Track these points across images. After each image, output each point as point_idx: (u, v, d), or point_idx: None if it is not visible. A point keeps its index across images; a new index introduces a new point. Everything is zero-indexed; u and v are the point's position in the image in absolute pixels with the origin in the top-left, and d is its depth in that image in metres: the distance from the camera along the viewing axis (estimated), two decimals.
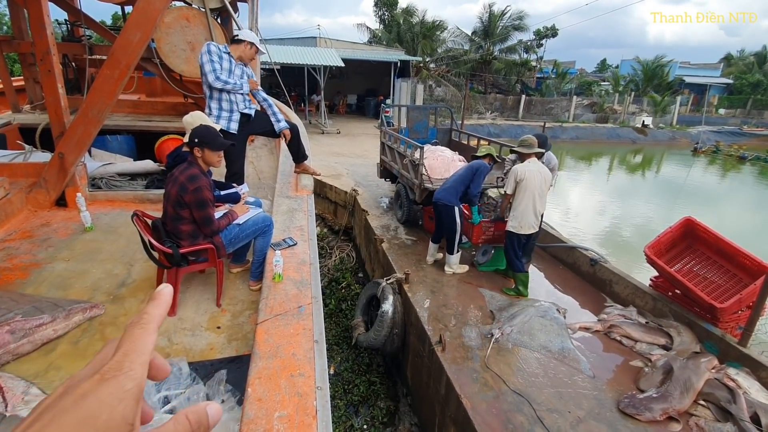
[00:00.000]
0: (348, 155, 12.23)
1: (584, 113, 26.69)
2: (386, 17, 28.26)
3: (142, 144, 6.03)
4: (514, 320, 4.27)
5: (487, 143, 7.10)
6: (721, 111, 31.35)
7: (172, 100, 7.23)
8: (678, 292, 4.47)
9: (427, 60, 25.25)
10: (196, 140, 2.51)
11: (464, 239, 5.53)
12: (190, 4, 5.19)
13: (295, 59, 15.93)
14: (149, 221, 2.61)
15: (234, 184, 3.29)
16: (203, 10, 5.13)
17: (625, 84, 30.90)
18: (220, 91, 3.38)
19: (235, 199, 3.07)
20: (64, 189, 3.82)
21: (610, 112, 26.86)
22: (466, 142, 7.83)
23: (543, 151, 4.89)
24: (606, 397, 3.42)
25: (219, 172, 3.61)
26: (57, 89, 3.62)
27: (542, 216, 4.90)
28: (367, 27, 28.71)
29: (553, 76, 30.99)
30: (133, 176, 4.86)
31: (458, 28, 27.34)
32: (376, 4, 28.33)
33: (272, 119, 3.77)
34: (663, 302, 4.51)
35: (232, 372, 2.03)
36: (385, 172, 7.94)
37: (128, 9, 7.13)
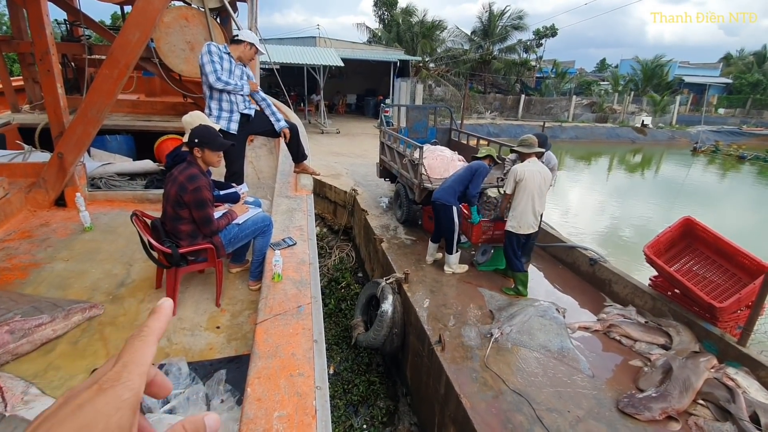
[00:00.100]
0: (347, 155, 12.23)
1: (584, 113, 26.69)
2: (386, 17, 28.26)
3: (141, 144, 6.02)
4: (513, 320, 4.27)
5: (486, 143, 7.11)
6: (721, 111, 31.38)
7: (171, 99, 7.22)
8: (677, 291, 4.47)
9: (426, 60, 25.25)
10: (196, 140, 2.50)
11: (464, 239, 5.54)
12: (190, 4, 5.18)
13: (294, 59, 15.92)
14: (148, 221, 2.61)
15: (233, 184, 3.29)
16: (202, 9, 5.13)
17: (624, 84, 30.90)
18: (221, 91, 3.38)
19: (234, 198, 3.07)
20: (64, 189, 3.82)
21: (609, 111, 26.88)
22: (465, 142, 7.83)
23: (543, 150, 4.89)
24: (605, 397, 3.42)
25: (218, 172, 3.61)
26: (56, 89, 3.62)
27: (542, 216, 4.91)
28: (367, 27, 28.73)
29: (552, 75, 31.01)
30: (132, 176, 4.85)
31: (458, 28, 27.38)
32: (375, 4, 28.32)
33: (271, 119, 3.77)
34: (662, 302, 4.51)
35: (232, 372, 2.03)
36: (385, 172, 7.94)
37: (127, 9, 7.12)
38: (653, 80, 29.23)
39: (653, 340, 4.11)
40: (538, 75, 30.73)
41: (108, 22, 18.66)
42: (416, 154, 5.99)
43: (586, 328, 4.37)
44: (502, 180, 5.60)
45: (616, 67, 39.70)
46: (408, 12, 26.82)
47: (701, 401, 3.33)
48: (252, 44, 3.51)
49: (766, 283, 3.57)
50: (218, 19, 5.65)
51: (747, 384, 3.43)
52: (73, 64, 7.30)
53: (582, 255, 5.63)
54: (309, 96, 18.76)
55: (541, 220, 4.98)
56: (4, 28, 21.82)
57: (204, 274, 2.97)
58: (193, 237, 2.55)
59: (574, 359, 3.86)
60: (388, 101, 18.80)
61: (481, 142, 7.32)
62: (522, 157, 4.80)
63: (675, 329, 4.15)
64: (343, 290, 6.80)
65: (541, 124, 15.85)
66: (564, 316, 4.48)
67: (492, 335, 4.07)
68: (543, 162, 4.90)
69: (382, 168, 7.96)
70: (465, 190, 4.98)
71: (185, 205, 2.45)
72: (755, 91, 30.71)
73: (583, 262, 5.60)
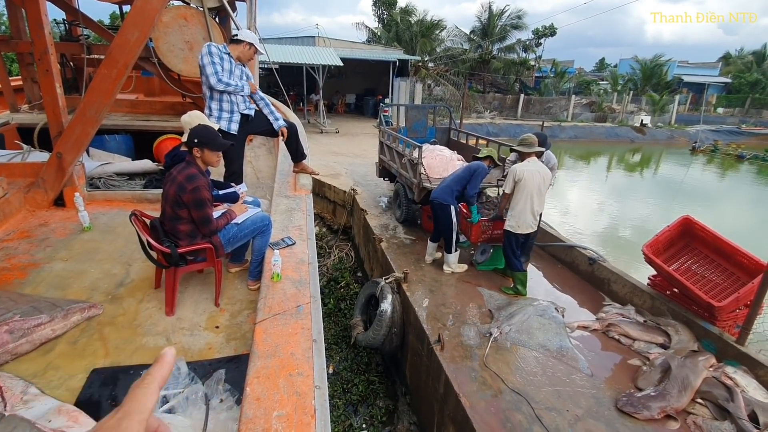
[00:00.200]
0: (347, 155, 12.23)
1: (583, 112, 26.71)
2: (385, 16, 28.24)
3: (140, 143, 6.02)
4: (512, 319, 4.27)
5: (485, 142, 7.11)
6: (720, 110, 31.43)
7: (170, 99, 7.21)
8: (676, 290, 4.48)
9: (425, 59, 25.25)
10: (196, 140, 2.50)
11: (463, 238, 5.54)
12: (189, 4, 5.18)
13: (293, 59, 15.91)
14: (147, 221, 2.60)
15: (232, 184, 3.29)
16: (201, 9, 5.13)
17: (623, 83, 30.92)
18: (221, 92, 3.38)
19: (233, 198, 3.06)
20: (62, 189, 3.81)
21: (608, 111, 26.90)
22: (464, 142, 7.83)
23: (543, 149, 4.90)
24: (604, 396, 3.43)
25: (217, 172, 3.61)
26: (55, 89, 3.61)
27: (541, 215, 4.91)
28: (366, 26, 28.68)
29: (551, 75, 30.98)
30: (131, 176, 4.85)
31: (457, 27, 27.44)
32: (374, 4, 28.30)
33: (270, 118, 3.77)
34: (661, 301, 4.52)
35: (231, 371, 2.03)
36: (384, 172, 7.95)
37: (126, 8, 7.11)
38: (652, 79, 29.26)
39: (652, 339, 4.11)
40: (537, 74, 30.74)
41: (107, 21, 18.64)
42: (415, 154, 5.99)
43: (585, 328, 4.38)
44: (502, 180, 5.60)
45: (615, 66, 39.71)
46: (407, 11, 26.82)
47: (700, 400, 3.34)
48: (251, 44, 3.51)
49: (764, 282, 3.58)
50: (217, 19, 5.64)
51: (745, 383, 3.44)
52: (71, 63, 7.28)
53: (581, 254, 5.64)
54: (308, 96, 18.75)
55: (540, 220, 4.99)
56: (3, 27, 21.77)
57: (203, 273, 2.97)
58: (192, 237, 2.55)
59: (573, 358, 3.86)
60: (387, 101, 18.80)
61: (481, 141, 7.32)
62: (522, 156, 4.80)
63: (674, 328, 4.16)
64: (342, 290, 6.81)
65: (540, 123, 15.88)
66: (563, 316, 4.49)
67: (491, 334, 4.07)
68: (543, 161, 4.91)
69: (382, 167, 7.96)
70: (463, 190, 4.98)
71: (184, 204, 2.45)
72: (754, 90, 30.77)
73: (582, 261, 5.61)
